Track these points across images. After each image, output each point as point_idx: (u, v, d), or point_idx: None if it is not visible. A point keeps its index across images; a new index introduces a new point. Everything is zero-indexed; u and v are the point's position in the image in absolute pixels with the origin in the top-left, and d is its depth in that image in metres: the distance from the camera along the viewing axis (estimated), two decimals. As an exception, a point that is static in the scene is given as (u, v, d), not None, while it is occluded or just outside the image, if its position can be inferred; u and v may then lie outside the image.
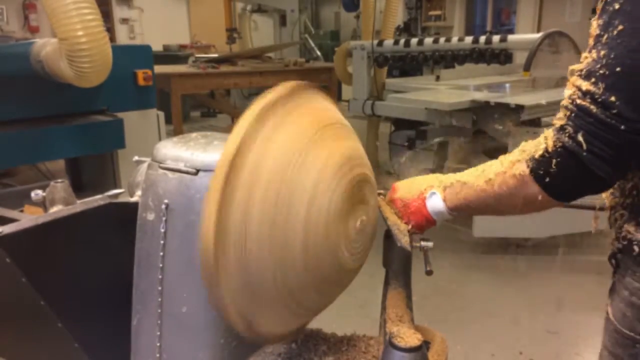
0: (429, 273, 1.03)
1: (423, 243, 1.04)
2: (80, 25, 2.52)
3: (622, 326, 0.92)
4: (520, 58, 4.64)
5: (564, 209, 0.97)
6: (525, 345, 2.66)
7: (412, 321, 1.01)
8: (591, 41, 0.81)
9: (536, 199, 0.83)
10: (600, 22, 0.80)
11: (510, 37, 4.32)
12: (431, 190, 1.02)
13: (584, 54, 0.82)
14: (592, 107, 0.76)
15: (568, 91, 0.81)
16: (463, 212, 0.99)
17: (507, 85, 4.58)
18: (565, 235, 3.66)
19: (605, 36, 0.77)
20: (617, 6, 0.76)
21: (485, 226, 3.52)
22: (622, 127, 0.74)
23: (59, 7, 2.49)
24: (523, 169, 0.83)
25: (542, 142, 0.82)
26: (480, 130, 4.15)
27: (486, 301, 3.15)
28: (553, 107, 3.64)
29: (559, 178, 0.80)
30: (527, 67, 3.88)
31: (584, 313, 2.93)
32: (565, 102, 0.81)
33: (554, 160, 0.79)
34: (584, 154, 0.77)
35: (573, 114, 0.78)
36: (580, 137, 0.77)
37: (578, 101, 0.78)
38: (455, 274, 3.45)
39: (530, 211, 0.89)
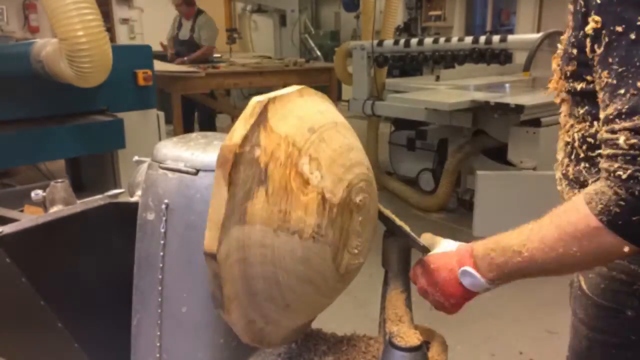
0: (429, 273, 1.03)
1: (423, 242, 1.04)
2: (80, 26, 2.52)
3: (602, 299, 0.96)
4: (520, 58, 4.64)
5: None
6: (525, 345, 2.66)
7: (412, 321, 1.01)
8: (610, 80, 0.78)
9: (620, 250, 0.78)
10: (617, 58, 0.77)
11: (510, 37, 4.33)
12: (461, 268, 0.93)
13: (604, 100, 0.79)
14: None
15: (609, 135, 0.77)
16: (509, 281, 0.92)
17: (507, 85, 4.58)
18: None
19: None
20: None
21: (485, 226, 3.52)
22: None
23: (59, 7, 2.49)
24: (595, 224, 0.77)
25: (608, 193, 0.77)
26: (480, 130, 4.15)
27: (486, 301, 3.14)
28: (553, 107, 3.65)
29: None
30: (527, 67, 3.89)
31: (584, 313, 2.93)
32: (612, 151, 0.76)
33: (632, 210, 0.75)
34: None
35: (632, 158, 0.74)
36: None
37: (633, 141, 0.74)
38: (455, 274, 3.44)
39: (601, 264, 0.89)
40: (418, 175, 4.93)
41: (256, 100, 0.83)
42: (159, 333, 1.07)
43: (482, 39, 4.28)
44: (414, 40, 4.74)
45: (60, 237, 1.20)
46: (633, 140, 0.74)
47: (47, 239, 1.18)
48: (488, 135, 4.08)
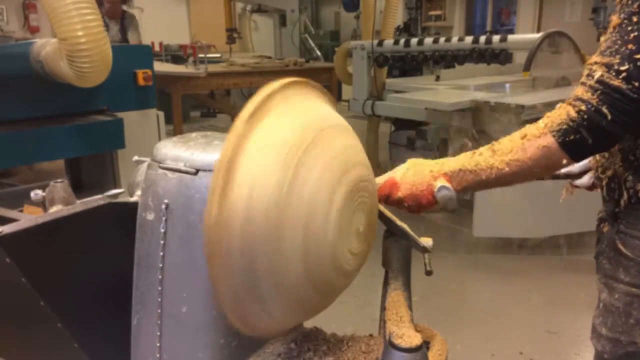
0: (429, 273, 1.03)
1: (423, 242, 1.04)
2: (80, 26, 2.52)
3: None
4: (520, 58, 4.64)
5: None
6: (525, 345, 2.66)
7: (412, 321, 1.01)
8: (610, 28, 0.95)
9: (560, 164, 0.96)
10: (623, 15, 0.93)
11: (510, 37, 4.33)
12: (440, 185, 1.03)
13: (603, 38, 0.96)
14: (616, 82, 0.90)
15: (590, 67, 0.94)
16: (470, 192, 1.05)
17: (507, 85, 4.58)
18: (565, 235, 3.66)
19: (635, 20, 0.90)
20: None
21: (485, 226, 3.52)
22: None
23: (59, 7, 2.49)
24: (550, 140, 0.94)
25: (562, 116, 0.94)
26: (480, 130, 4.15)
27: (486, 301, 3.15)
28: (553, 107, 3.65)
29: (582, 144, 0.93)
30: (527, 67, 3.89)
31: (584, 313, 2.92)
32: (587, 80, 0.93)
33: (580, 130, 0.92)
34: (604, 123, 0.91)
35: (598, 91, 0.91)
36: (605, 109, 0.90)
37: (606, 79, 0.91)
38: (455, 274, 3.44)
39: (543, 176, 1.02)
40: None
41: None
42: (159, 333, 1.07)
43: (482, 39, 4.28)
44: (414, 40, 4.74)
45: (60, 237, 1.20)
46: (604, 77, 0.91)
47: (47, 239, 1.18)
48: (488, 135, 4.08)
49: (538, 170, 0.98)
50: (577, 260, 3.55)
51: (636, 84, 0.89)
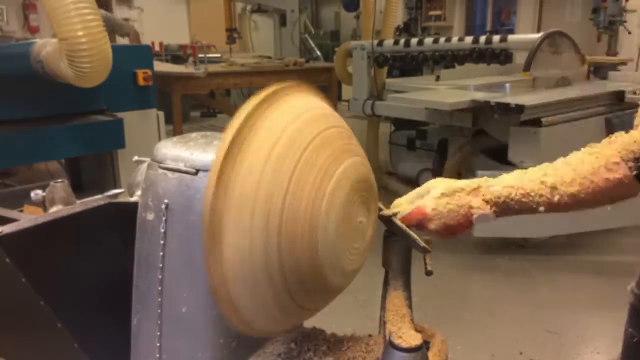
0: (429, 273, 1.03)
1: (423, 242, 1.04)
2: (80, 25, 2.52)
3: None
4: (520, 58, 4.63)
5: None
6: (526, 345, 2.66)
7: (412, 321, 1.01)
8: None
9: (634, 196, 0.83)
10: None
11: (510, 37, 4.32)
12: (481, 212, 0.93)
13: None
14: None
15: None
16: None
17: (507, 85, 4.58)
18: (565, 235, 3.66)
19: None
20: None
21: (485, 226, 3.50)
22: None
23: (59, 7, 2.49)
24: (625, 172, 0.82)
25: (638, 141, 0.81)
26: (480, 130, 4.15)
27: (486, 301, 3.15)
28: (553, 107, 3.65)
29: None
30: (527, 67, 3.89)
31: (584, 313, 2.93)
32: None
33: None
34: None
35: None
36: None
37: None
38: (455, 274, 3.44)
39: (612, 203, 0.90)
40: (418, 175, 4.92)
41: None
42: (159, 333, 1.07)
43: (482, 39, 4.28)
44: (414, 40, 4.73)
45: (59, 237, 1.20)
46: None
47: (47, 239, 1.18)
48: (488, 135, 4.08)
49: (604, 203, 0.86)
50: (577, 260, 3.55)
51: None
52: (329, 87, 6.15)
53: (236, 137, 0.82)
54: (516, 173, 0.93)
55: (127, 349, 1.15)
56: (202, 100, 8.54)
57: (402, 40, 4.77)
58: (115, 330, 1.16)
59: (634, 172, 0.81)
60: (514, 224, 3.50)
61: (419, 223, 0.96)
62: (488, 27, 9.28)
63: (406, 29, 8.94)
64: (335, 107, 1.03)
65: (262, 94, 0.87)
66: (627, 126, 0.91)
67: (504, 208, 0.90)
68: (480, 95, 3.93)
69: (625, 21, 5.69)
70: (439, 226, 0.94)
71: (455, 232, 0.95)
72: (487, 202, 0.92)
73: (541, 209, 0.88)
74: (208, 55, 6.07)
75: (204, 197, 0.81)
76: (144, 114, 3.57)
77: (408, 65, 5.16)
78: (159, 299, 1.06)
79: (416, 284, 1.10)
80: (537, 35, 3.93)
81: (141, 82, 3.46)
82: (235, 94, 8.58)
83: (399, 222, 1.04)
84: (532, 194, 0.88)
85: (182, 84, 5.37)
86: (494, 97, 3.76)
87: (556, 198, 0.86)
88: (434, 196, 0.95)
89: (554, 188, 0.87)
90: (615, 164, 0.82)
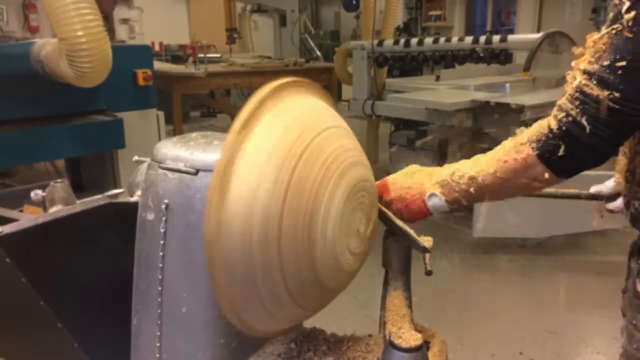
0: (429, 273, 1.03)
1: (423, 242, 1.04)
2: (80, 26, 2.52)
3: None
4: (520, 58, 4.64)
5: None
6: (526, 345, 2.66)
7: (412, 321, 1.01)
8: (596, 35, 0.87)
9: (542, 178, 0.89)
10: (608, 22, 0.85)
11: (510, 37, 4.32)
12: (430, 192, 1.00)
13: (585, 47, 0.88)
14: (596, 92, 0.83)
15: (574, 80, 0.87)
16: (462, 204, 1.00)
17: (507, 85, 4.58)
18: (565, 235, 3.66)
19: (614, 29, 0.83)
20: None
21: (485, 226, 3.52)
22: (625, 109, 0.82)
23: (59, 7, 2.49)
24: (528, 152, 0.88)
25: (544, 126, 0.88)
26: (480, 130, 4.15)
27: (486, 301, 3.15)
28: (553, 107, 3.65)
29: (564, 158, 0.86)
30: (527, 67, 3.89)
31: (584, 313, 2.93)
32: (570, 90, 0.87)
33: (560, 143, 0.86)
34: (584, 136, 0.84)
35: (578, 101, 0.84)
36: (584, 121, 0.84)
37: (585, 89, 0.84)
38: (455, 274, 3.45)
39: (531, 190, 0.95)
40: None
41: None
42: (159, 333, 1.07)
43: (482, 39, 4.28)
44: (414, 40, 4.74)
45: (59, 237, 1.20)
46: (583, 85, 0.84)
47: (47, 239, 1.18)
48: (488, 135, 4.08)
49: (520, 183, 0.91)
50: (577, 260, 3.55)
51: (617, 94, 0.81)
52: (329, 87, 6.15)
53: (237, 138, 0.82)
54: (471, 159, 0.99)
55: (127, 349, 1.15)
56: (202, 100, 8.54)
57: (402, 41, 4.78)
58: (115, 330, 1.16)
59: (536, 152, 0.87)
60: (514, 224, 3.51)
61: (381, 193, 1.05)
62: (488, 27, 9.29)
63: (406, 29, 8.95)
64: (335, 107, 1.03)
65: (262, 92, 0.87)
66: None
67: (449, 190, 0.98)
68: (481, 95, 3.93)
69: (625, 21, 5.68)
70: (395, 197, 1.03)
71: (411, 207, 1.02)
72: (437, 183, 1.00)
73: (472, 190, 0.95)
74: (208, 55, 6.06)
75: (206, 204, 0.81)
76: (143, 114, 3.57)
77: (408, 65, 5.17)
78: (159, 299, 1.06)
79: (416, 284, 1.10)
80: (537, 35, 3.94)
81: (141, 82, 3.46)
82: (235, 94, 8.57)
83: (399, 222, 1.04)
84: (466, 175, 0.96)
85: (182, 84, 5.37)
86: (494, 97, 3.77)
87: (480, 178, 0.94)
88: (401, 172, 1.07)
89: (480, 169, 0.94)
90: (522, 144, 0.89)
